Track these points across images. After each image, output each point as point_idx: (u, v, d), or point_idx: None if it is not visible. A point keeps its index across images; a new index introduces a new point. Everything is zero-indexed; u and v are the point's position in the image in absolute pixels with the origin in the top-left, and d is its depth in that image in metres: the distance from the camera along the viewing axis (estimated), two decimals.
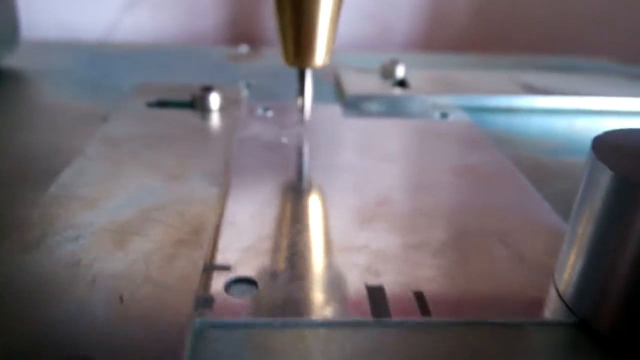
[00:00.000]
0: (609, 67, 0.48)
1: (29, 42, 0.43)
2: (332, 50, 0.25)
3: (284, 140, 0.27)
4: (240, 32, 0.57)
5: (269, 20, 0.57)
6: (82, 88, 0.35)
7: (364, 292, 0.16)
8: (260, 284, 0.16)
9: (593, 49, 0.56)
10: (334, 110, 0.33)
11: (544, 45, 0.58)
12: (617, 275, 0.14)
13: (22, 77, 0.37)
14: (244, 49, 0.47)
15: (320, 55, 0.24)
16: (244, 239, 0.19)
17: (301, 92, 0.26)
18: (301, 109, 0.27)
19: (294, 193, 0.22)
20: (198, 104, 0.28)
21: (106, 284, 0.15)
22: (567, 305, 0.16)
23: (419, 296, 0.16)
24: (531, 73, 0.41)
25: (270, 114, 0.31)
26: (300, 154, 0.26)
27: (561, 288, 0.17)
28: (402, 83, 0.37)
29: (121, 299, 0.14)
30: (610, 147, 0.15)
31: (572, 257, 0.16)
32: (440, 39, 0.58)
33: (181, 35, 0.56)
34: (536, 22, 0.58)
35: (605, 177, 0.14)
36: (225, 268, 0.17)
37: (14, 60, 0.38)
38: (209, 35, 0.56)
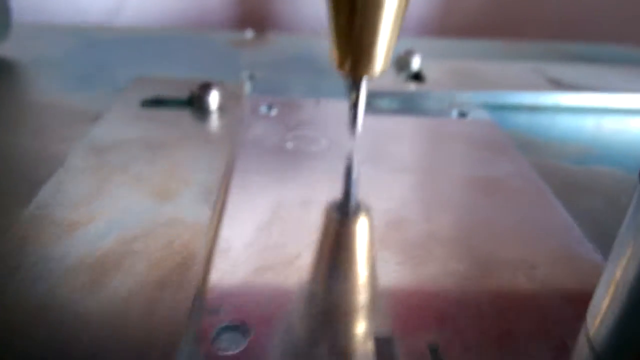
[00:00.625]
0: (636, 55, 0.45)
1: (24, 25, 0.41)
2: (392, 55, 0.22)
3: (289, 145, 0.25)
4: (249, 13, 0.54)
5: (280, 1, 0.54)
6: (75, 81, 0.33)
7: (370, 344, 0.14)
8: (251, 333, 0.14)
9: (619, 32, 0.52)
10: (343, 107, 0.30)
11: (564, 29, 0.55)
12: None
13: (11, 68, 0.35)
14: (249, 34, 0.45)
15: (379, 63, 0.21)
16: (238, 273, 0.17)
17: (354, 103, 0.23)
18: (352, 123, 0.24)
19: (297, 212, 0.20)
20: (196, 103, 0.26)
21: (70, 339, 0.13)
22: (598, 358, 0.14)
23: (434, 350, 0.14)
24: (556, 64, 0.38)
25: (275, 112, 0.29)
26: (349, 173, 0.23)
27: (593, 336, 0.14)
28: (417, 76, 0.34)
29: (88, 358, 0.12)
30: None
31: (607, 303, 0.14)
32: (455, 23, 0.54)
33: (189, 15, 0.54)
34: (556, 5, 0.54)
35: None
36: (214, 312, 0.15)
37: (3, 48, 0.36)
38: (217, 15, 0.54)
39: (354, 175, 0.23)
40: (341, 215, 0.20)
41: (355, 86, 0.23)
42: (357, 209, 0.21)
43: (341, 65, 0.22)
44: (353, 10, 0.19)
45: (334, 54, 0.22)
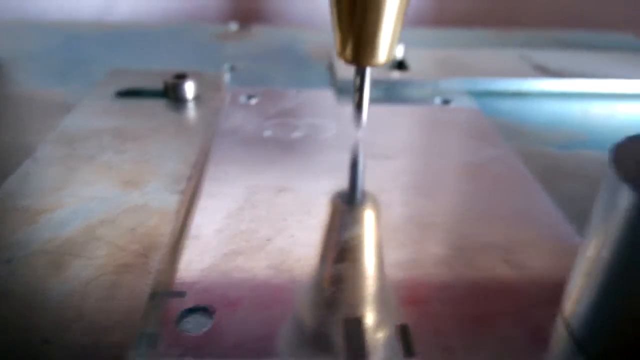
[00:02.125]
0: (633, 44, 0.44)
1: (8, 23, 0.41)
2: (396, 45, 0.21)
3: (267, 133, 0.25)
4: (240, 8, 0.54)
5: None
6: (53, 75, 0.32)
7: (340, 326, 0.14)
8: (217, 315, 0.14)
9: (617, 23, 0.52)
10: (326, 96, 0.30)
11: (562, 19, 0.54)
12: (633, 313, 0.12)
13: None
14: (233, 27, 0.44)
15: (384, 52, 0.21)
16: (206, 258, 0.16)
17: (359, 93, 0.23)
18: (357, 113, 0.23)
19: (271, 199, 0.20)
20: (170, 93, 0.26)
21: (31, 322, 0.12)
22: (575, 341, 0.14)
23: (404, 331, 0.14)
24: (544, 51, 0.37)
25: (254, 101, 0.28)
26: (354, 165, 0.23)
27: (569, 318, 0.14)
28: (401, 64, 0.34)
29: (46, 341, 0.12)
30: (634, 158, 0.13)
31: (582, 286, 0.13)
32: (450, 13, 0.54)
33: (180, 12, 0.53)
34: None
35: (626, 198, 0.12)
36: (179, 295, 0.15)
37: None
38: (208, 11, 0.54)
39: (360, 166, 0.23)
40: (316, 201, 0.20)
41: (359, 75, 0.22)
42: (334, 195, 0.20)
43: (344, 54, 0.21)
44: (356, 2, 0.19)
45: (337, 43, 0.21)
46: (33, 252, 0.15)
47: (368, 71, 0.22)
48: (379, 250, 0.17)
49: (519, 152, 0.24)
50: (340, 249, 0.17)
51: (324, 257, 0.17)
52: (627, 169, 0.12)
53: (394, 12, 0.20)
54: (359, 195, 0.21)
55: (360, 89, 0.23)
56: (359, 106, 0.23)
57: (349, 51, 0.21)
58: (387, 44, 0.20)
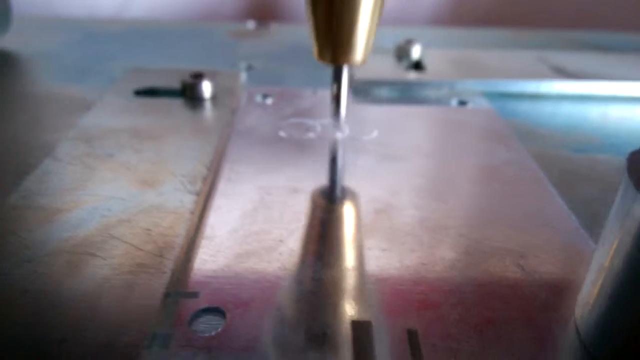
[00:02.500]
0: None
1: (27, 19, 0.42)
2: (373, 43, 0.21)
3: (282, 133, 0.25)
4: (256, 5, 0.54)
5: None
6: (72, 73, 0.33)
7: (349, 328, 0.14)
8: (229, 316, 0.14)
9: (634, 24, 0.51)
10: None
11: (581, 19, 0.53)
12: None
13: (10, 60, 0.35)
14: (250, 25, 0.44)
15: (360, 50, 0.21)
16: (219, 258, 0.16)
17: (336, 92, 0.23)
18: (336, 111, 0.23)
19: (285, 200, 0.20)
20: (188, 93, 0.26)
21: (48, 322, 0.13)
22: (585, 348, 0.14)
23: (412, 335, 0.14)
24: (562, 52, 0.37)
25: (270, 101, 0.28)
26: (333, 162, 0.23)
27: (581, 326, 0.14)
28: (417, 65, 0.34)
29: (63, 339, 0.12)
30: None
31: (594, 293, 0.13)
32: (467, 12, 0.54)
33: (196, 9, 0.54)
34: None
35: None
36: (193, 295, 0.15)
37: (4, 41, 0.36)
38: (224, 7, 0.54)
39: (339, 163, 0.23)
40: (327, 202, 0.20)
41: (336, 75, 0.22)
42: (345, 197, 0.20)
43: (321, 54, 0.21)
44: (333, 3, 0.19)
45: (314, 44, 0.21)
46: (51, 252, 0.15)
47: (345, 70, 0.22)
48: (386, 252, 0.17)
49: (534, 155, 0.23)
50: (349, 250, 0.17)
51: (332, 258, 0.17)
52: None
53: (369, 10, 0.20)
54: (338, 191, 0.21)
55: (338, 88, 0.23)
56: (337, 105, 0.23)
57: (326, 52, 0.21)
58: (364, 42, 0.21)
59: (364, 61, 0.22)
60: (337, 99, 0.23)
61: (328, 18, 0.20)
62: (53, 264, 0.15)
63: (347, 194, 0.20)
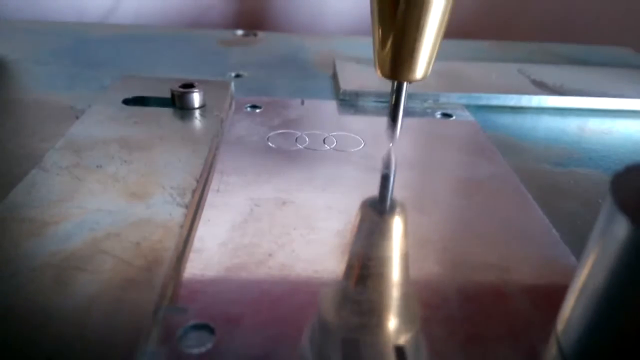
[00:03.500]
0: (631, 59, 0.45)
1: (16, 23, 0.41)
2: (434, 61, 0.22)
3: (271, 144, 0.25)
4: (246, 13, 0.54)
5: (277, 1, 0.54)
6: (62, 79, 0.32)
7: (339, 346, 0.14)
8: (218, 332, 0.14)
9: (616, 37, 0.52)
10: (330, 106, 0.30)
11: (561, 32, 0.54)
12: (627, 339, 0.12)
13: None
14: (239, 33, 0.45)
15: (422, 68, 0.21)
16: (209, 273, 0.16)
17: (394, 108, 0.23)
18: (392, 126, 0.24)
19: (274, 212, 0.20)
20: (178, 102, 0.26)
21: (34, 339, 0.13)
22: None
23: (400, 353, 0.14)
24: (542, 66, 0.38)
25: (259, 112, 0.29)
26: (386, 178, 0.23)
27: (563, 342, 0.14)
28: None
29: (49, 359, 0.12)
30: (633, 189, 0.13)
31: (575, 310, 0.14)
32: (450, 25, 0.54)
33: (185, 15, 0.54)
34: (551, 8, 0.54)
35: (623, 229, 0.12)
36: (181, 311, 0.15)
37: None
38: (214, 15, 0.54)
39: (391, 178, 0.23)
40: (318, 215, 0.20)
41: (396, 90, 0.23)
42: (332, 210, 0.20)
43: (383, 70, 0.21)
44: (395, 16, 0.19)
45: (376, 58, 0.21)
46: (38, 266, 0.15)
47: (405, 86, 0.22)
48: (378, 269, 0.17)
49: (516, 169, 0.24)
50: (340, 267, 0.17)
51: (320, 273, 0.17)
52: (626, 199, 0.12)
53: (434, 28, 0.20)
54: (388, 206, 0.21)
55: (396, 104, 0.23)
56: (394, 119, 0.23)
57: (387, 66, 0.21)
58: (426, 60, 0.21)
59: (425, 77, 0.22)
60: (394, 114, 0.23)
61: (390, 35, 0.20)
62: (39, 279, 0.15)
63: (334, 207, 0.21)
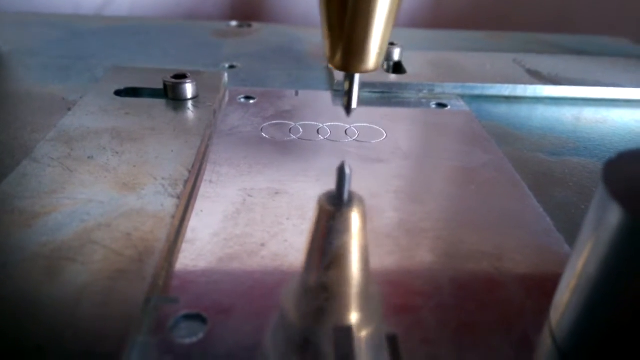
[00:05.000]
0: (628, 49, 0.44)
1: (7, 15, 0.41)
2: (385, 51, 0.21)
3: (265, 134, 0.25)
4: (240, 5, 0.54)
5: None
6: (54, 71, 0.32)
7: (330, 334, 0.14)
8: (210, 322, 0.14)
9: (612, 28, 0.52)
10: (324, 97, 0.30)
11: (557, 22, 0.54)
12: (620, 328, 0.12)
13: None
14: (233, 24, 0.44)
15: (373, 59, 0.21)
16: (201, 263, 0.16)
17: (348, 101, 0.23)
18: (347, 113, 0.23)
19: (267, 202, 0.20)
20: (170, 93, 0.26)
21: (24, 328, 0.13)
22: (560, 352, 0.14)
23: (392, 341, 0.14)
24: (538, 56, 0.38)
25: (252, 102, 0.28)
26: (342, 167, 0.23)
27: (556, 330, 0.14)
28: (397, 66, 0.34)
29: (39, 348, 0.12)
30: (625, 175, 0.13)
31: (569, 298, 0.14)
32: (445, 15, 0.54)
33: (180, 7, 0.53)
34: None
35: (615, 216, 0.12)
36: (173, 301, 0.15)
37: None
38: (209, 6, 0.54)
39: (347, 170, 0.23)
40: (310, 206, 0.20)
41: (348, 81, 0.22)
42: (326, 200, 0.20)
43: (333, 60, 0.21)
44: (345, 6, 0.19)
45: (327, 49, 0.21)
46: (28, 257, 0.15)
47: (357, 77, 0.22)
48: (368, 257, 0.17)
49: (510, 158, 0.24)
50: (330, 255, 0.17)
51: (314, 263, 0.17)
52: (618, 187, 0.12)
53: (384, 18, 0.19)
54: (345, 197, 0.21)
55: (350, 94, 0.23)
56: (347, 110, 0.23)
57: (338, 57, 0.21)
58: (376, 50, 0.20)
59: (377, 68, 0.21)
60: (348, 104, 0.23)
61: (340, 25, 0.19)
62: (30, 269, 0.14)
63: (328, 197, 0.21)
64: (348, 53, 0.20)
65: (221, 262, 0.16)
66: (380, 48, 0.21)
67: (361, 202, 0.20)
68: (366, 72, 0.21)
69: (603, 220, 0.12)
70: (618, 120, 0.30)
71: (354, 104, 0.23)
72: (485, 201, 0.21)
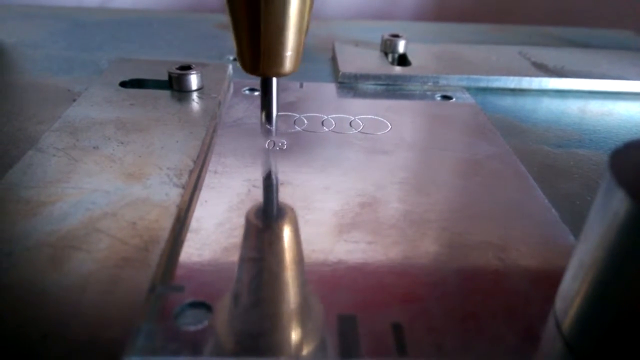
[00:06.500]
0: (633, 42, 0.44)
1: (11, 7, 0.41)
2: (301, 54, 0.21)
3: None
4: None
5: None
6: (58, 62, 0.32)
7: (335, 323, 0.14)
8: (215, 310, 0.14)
9: (617, 20, 0.52)
10: (328, 89, 0.30)
11: (562, 15, 0.54)
12: (626, 316, 0.12)
13: None
14: None
15: (289, 62, 0.20)
16: (206, 252, 0.16)
17: (267, 106, 0.22)
18: (267, 124, 0.23)
19: (270, 193, 0.20)
20: (175, 85, 0.26)
21: (30, 316, 0.13)
22: (565, 341, 0.14)
23: (397, 330, 0.14)
24: (543, 48, 0.37)
25: (257, 94, 0.28)
26: (269, 175, 0.21)
27: (561, 320, 0.14)
28: (402, 59, 0.34)
29: (45, 336, 0.12)
30: (631, 164, 0.13)
31: (574, 287, 0.14)
32: (450, 8, 0.54)
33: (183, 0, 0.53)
34: None
35: (621, 204, 0.12)
36: (178, 289, 0.15)
37: None
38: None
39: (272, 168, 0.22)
40: (312, 196, 0.20)
41: (264, 86, 0.22)
42: (330, 190, 0.20)
43: (246, 66, 0.21)
44: (257, 11, 0.18)
45: (240, 56, 0.21)
46: (34, 245, 0.15)
47: (274, 81, 0.21)
48: (373, 246, 0.17)
49: (515, 150, 0.24)
50: (335, 243, 0.17)
51: (318, 251, 0.17)
52: (624, 175, 0.12)
53: (296, 20, 0.19)
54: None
55: (268, 102, 0.22)
56: (267, 117, 0.23)
57: (253, 64, 0.20)
58: (292, 52, 0.20)
59: (293, 71, 0.21)
60: (268, 111, 0.22)
61: (253, 31, 0.19)
62: (35, 258, 0.15)
63: (329, 188, 0.20)
64: (263, 57, 0.20)
65: (226, 251, 0.17)
66: (297, 49, 0.20)
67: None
68: (283, 75, 0.20)
69: (609, 208, 0.12)
70: (624, 113, 0.29)
71: (274, 112, 0.23)
72: (491, 192, 0.20)
